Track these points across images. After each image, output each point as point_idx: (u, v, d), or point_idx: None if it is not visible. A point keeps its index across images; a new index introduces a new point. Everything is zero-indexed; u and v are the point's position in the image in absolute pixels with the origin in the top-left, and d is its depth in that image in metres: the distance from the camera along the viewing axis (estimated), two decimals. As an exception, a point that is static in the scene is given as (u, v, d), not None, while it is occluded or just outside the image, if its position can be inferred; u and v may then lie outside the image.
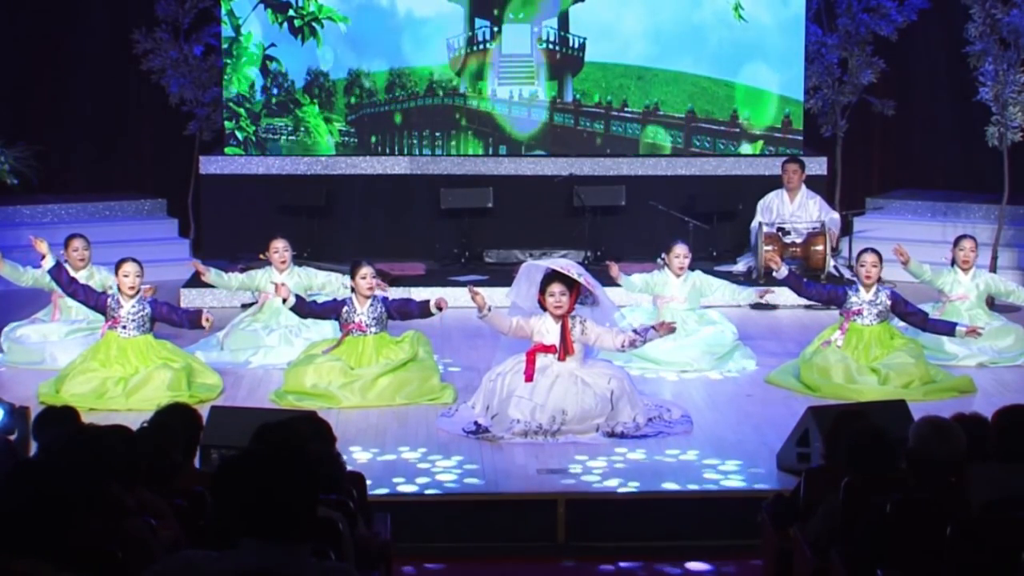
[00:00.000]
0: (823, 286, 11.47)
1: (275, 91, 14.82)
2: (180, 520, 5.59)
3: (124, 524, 4.98)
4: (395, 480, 8.54)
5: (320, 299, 11.05)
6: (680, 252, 11.37)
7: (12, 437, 7.67)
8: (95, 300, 10.50)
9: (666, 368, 11.01)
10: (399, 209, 14.79)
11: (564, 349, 9.46)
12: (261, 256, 11.89)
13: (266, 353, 11.26)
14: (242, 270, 12.16)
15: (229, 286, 11.86)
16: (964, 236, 11.82)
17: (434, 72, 14.86)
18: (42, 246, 10.74)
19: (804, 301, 11.79)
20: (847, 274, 13.32)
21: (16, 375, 10.98)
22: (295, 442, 5.81)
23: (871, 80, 14.94)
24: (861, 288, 10.68)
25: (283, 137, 14.90)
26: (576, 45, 14.86)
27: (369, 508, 6.92)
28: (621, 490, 8.47)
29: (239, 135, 14.87)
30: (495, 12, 14.79)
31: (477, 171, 14.86)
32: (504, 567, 8.06)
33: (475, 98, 14.89)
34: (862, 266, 10.68)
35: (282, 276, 11.40)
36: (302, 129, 14.90)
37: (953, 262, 11.65)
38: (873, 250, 10.83)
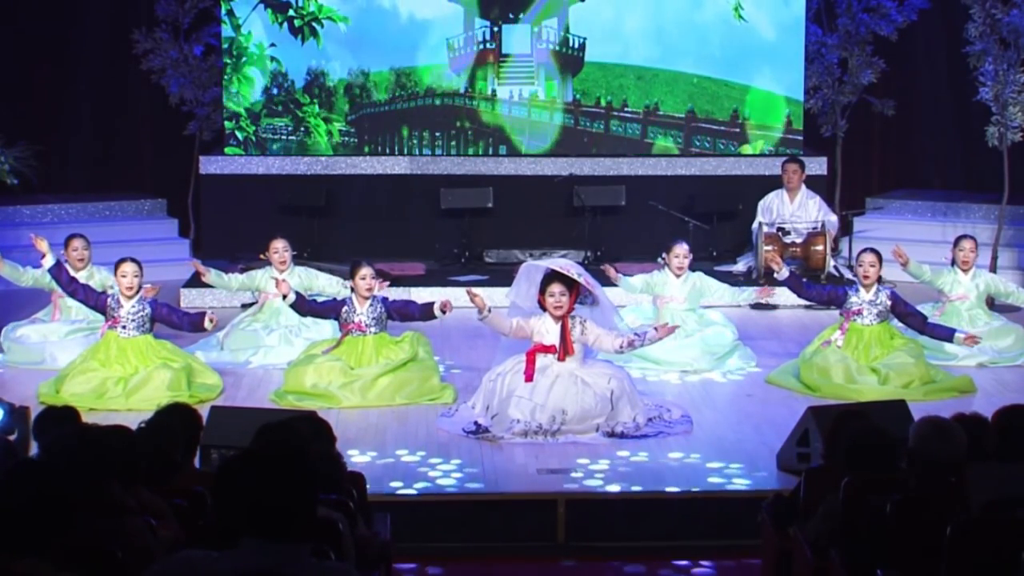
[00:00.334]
0: (823, 287, 11.47)
1: (275, 91, 14.82)
2: (180, 520, 5.59)
3: (124, 524, 4.98)
4: (393, 484, 8.52)
5: (320, 299, 11.05)
6: (680, 252, 11.37)
7: (12, 437, 7.68)
8: (95, 300, 10.50)
9: (666, 368, 11.01)
10: (399, 209, 14.79)
11: (564, 349, 9.46)
12: (261, 256, 11.89)
13: (266, 353, 11.26)
14: (242, 270, 12.16)
15: (229, 287, 11.86)
16: (964, 236, 11.81)
17: (434, 72, 14.86)
18: (42, 244, 10.75)
19: (804, 301, 11.79)
20: (847, 274, 13.32)
21: (16, 375, 10.98)
22: (295, 442, 5.81)
23: (871, 80, 14.94)
24: (861, 288, 10.68)
25: (283, 137, 14.90)
26: (576, 45, 14.86)
27: (369, 508, 6.92)
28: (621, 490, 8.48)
29: (239, 135, 14.87)
30: (495, 12, 14.79)
31: (477, 171, 14.86)
32: (504, 567, 8.06)
33: (475, 98, 14.89)
34: (861, 266, 10.68)
35: (282, 276, 11.39)
36: (302, 129, 14.91)
37: (953, 262, 11.65)
38: (872, 250, 10.83)
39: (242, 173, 14.82)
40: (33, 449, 7.22)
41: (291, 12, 14.72)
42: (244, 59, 14.72)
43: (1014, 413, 6.19)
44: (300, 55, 14.78)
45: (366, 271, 10.42)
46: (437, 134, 14.94)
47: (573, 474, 8.70)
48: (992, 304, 12.09)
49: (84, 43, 15.45)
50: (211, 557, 3.79)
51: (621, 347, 9.58)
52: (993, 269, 13.48)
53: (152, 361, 10.32)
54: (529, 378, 9.41)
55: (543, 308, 9.50)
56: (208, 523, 5.61)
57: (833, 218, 13.90)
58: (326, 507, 5.53)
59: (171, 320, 10.50)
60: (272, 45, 14.72)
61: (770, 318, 12.94)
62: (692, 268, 11.53)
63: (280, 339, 11.35)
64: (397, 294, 12.31)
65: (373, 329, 10.42)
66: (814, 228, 13.54)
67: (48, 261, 10.65)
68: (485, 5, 14.76)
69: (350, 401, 10.13)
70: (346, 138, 14.95)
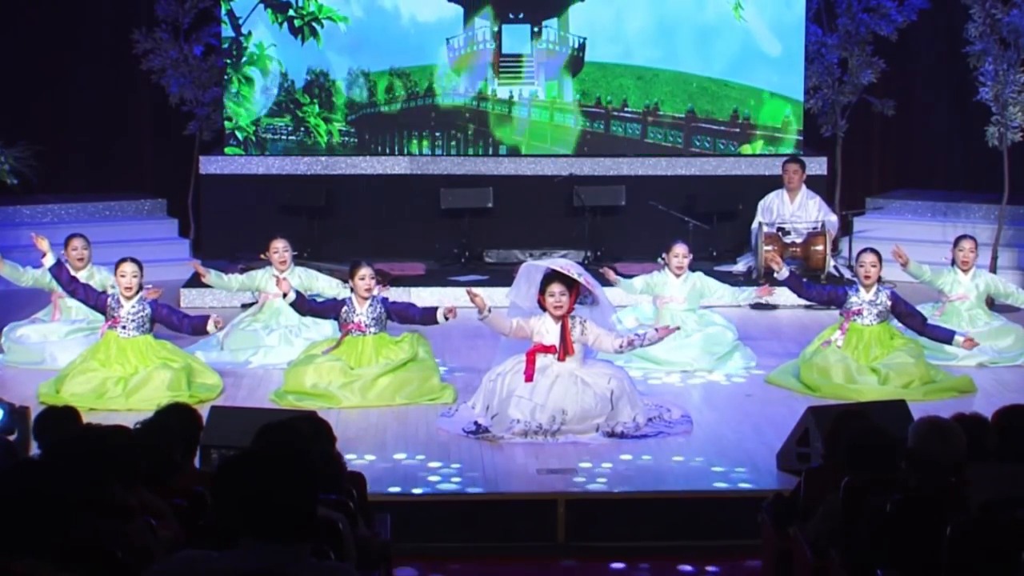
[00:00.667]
0: (823, 287, 11.47)
1: (275, 91, 14.82)
2: (180, 520, 5.59)
3: (124, 524, 4.98)
4: (392, 490, 8.48)
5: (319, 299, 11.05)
6: (680, 252, 11.37)
7: (12, 437, 7.68)
8: (95, 299, 10.50)
9: (666, 368, 11.01)
10: (399, 209, 14.78)
11: (564, 349, 9.46)
12: (261, 256, 11.88)
13: (266, 353, 11.26)
14: (242, 270, 12.16)
15: (229, 287, 11.86)
16: (964, 236, 11.82)
17: (434, 72, 14.86)
18: (43, 244, 10.76)
19: (804, 301, 11.79)
20: (847, 274, 13.32)
21: (16, 375, 10.98)
22: (296, 442, 5.81)
23: (871, 80, 14.93)
24: (861, 288, 10.68)
25: (283, 137, 14.90)
26: (576, 45, 14.86)
27: (369, 508, 6.92)
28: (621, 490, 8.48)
29: (239, 135, 14.87)
30: (495, 12, 14.79)
31: (477, 171, 14.86)
32: (504, 567, 8.06)
33: (475, 98, 14.89)
34: (861, 266, 10.68)
35: (283, 276, 11.39)
36: (302, 129, 14.91)
37: (953, 262, 11.65)
38: (872, 250, 10.83)
39: (242, 173, 14.81)
40: (33, 449, 7.22)
41: (291, 12, 14.72)
42: (244, 59, 14.72)
43: (1014, 413, 6.19)
44: (300, 55, 14.78)
45: (365, 271, 10.42)
46: (437, 134, 14.94)
47: (576, 479, 8.68)
48: (992, 304, 12.09)
49: (84, 43, 15.45)
50: (211, 557, 3.79)
51: (621, 347, 9.58)
52: (993, 269, 13.48)
53: (152, 361, 10.32)
54: (529, 378, 9.41)
55: (543, 308, 9.50)
56: (208, 523, 5.61)
57: (833, 218, 13.89)
58: (326, 507, 5.53)
59: (171, 321, 10.49)
60: (272, 45, 14.72)
61: (770, 318, 12.94)
62: (692, 268, 11.53)
63: (280, 339, 11.35)
64: (397, 294, 12.32)
65: (373, 329, 10.42)
66: (814, 228, 13.54)
67: (49, 260, 10.66)
68: (485, 5, 14.75)
69: (350, 401, 10.13)
70: (346, 138, 14.95)
